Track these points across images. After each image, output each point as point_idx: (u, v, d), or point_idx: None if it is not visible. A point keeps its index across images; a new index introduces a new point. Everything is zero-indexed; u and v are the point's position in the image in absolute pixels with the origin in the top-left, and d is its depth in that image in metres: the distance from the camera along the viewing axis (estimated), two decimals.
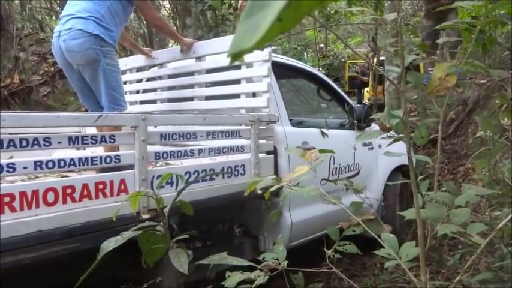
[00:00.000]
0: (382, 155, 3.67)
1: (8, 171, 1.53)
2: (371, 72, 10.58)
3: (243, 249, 2.67)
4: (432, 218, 1.32)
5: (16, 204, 1.53)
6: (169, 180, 1.99)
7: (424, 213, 1.29)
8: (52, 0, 9.85)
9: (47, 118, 1.72)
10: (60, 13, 2.93)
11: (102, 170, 1.99)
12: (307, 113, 4.30)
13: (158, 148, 2.20)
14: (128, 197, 1.40)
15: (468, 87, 5.19)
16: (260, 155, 2.48)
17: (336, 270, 1.74)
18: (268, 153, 2.57)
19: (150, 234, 1.30)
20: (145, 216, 1.80)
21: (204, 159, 2.35)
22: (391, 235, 1.53)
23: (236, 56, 0.35)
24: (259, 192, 2.24)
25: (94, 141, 1.79)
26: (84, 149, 2.89)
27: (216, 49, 2.91)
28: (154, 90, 3.35)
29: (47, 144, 1.64)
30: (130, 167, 1.89)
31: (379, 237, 1.54)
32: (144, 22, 9.42)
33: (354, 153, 3.25)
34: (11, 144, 1.55)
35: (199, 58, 3.02)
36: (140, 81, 3.54)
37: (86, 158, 1.76)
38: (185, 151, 2.14)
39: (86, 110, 2.69)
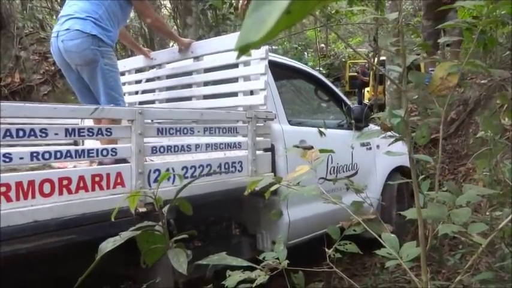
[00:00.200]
0: (381, 155, 3.65)
1: (4, 161, 1.54)
2: (372, 72, 10.57)
3: (240, 248, 2.67)
4: (433, 218, 1.32)
5: (12, 194, 1.53)
6: None
7: (425, 213, 1.29)
8: None
9: (44, 109, 1.75)
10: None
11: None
12: (304, 113, 4.31)
13: (155, 142, 2.21)
14: (126, 197, 1.39)
15: (469, 87, 5.19)
16: (257, 152, 2.49)
17: (336, 270, 1.74)
18: (265, 150, 2.58)
19: (148, 234, 1.30)
20: (142, 209, 1.80)
21: (201, 154, 2.36)
22: (392, 235, 1.52)
23: (243, 49, 0.35)
24: (257, 189, 2.26)
25: (91, 134, 1.80)
26: (82, 141, 2.92)
27: (213, 48, 2.93)
28: (152, 90, 3.36)
29: (43, 135, 1.66)
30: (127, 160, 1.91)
31: (380, 237, 1.53)
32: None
33: (352, 153, 3.26)
34: (8, 134, 1.56)
35: (197, 58, 3.03)
36: (139, 82, 3.54)
37: (83, 150, 1.77)
38: (182, 146, 2.16)
39: None
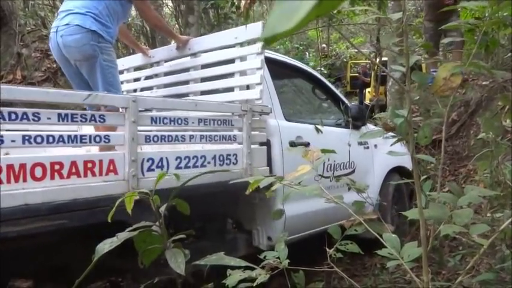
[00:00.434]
0: (379, 154, 3.68)
1: None
2: (373, 73, 10.57)
3: (236, 244, 2.66)
4: (435, 219, 1.31)
5: (3, 176, 1.53)
6: (160, 164, 2.01)
7: (427, 214, 1.29)
8: None
9: (36, 92, 1.75)
10: None
11: None
12: (301, 110, 4.32)
13: (149, 131, 2.21)
14: (123, 198, 1.38)
15: (471, 89, 5.18)
16: (252, 146, 2.49)
17: (337, 270, 1.74)
18: (261, 144, 2.59)
19: (146, 235, 1.30)
20: (134, 197, 1.79)
21: (195, 145, 2.37)
22: (393, 235, 1.52)
23: (270, 40, 0.35)
24: (251, 182, 2.26)
25: (84, 120, 1.80)
26: (80, 127, 2.88)
27: (210, 45, 2.95)
28: (150, 88, 3.37)
29: (36, 119, 1.65)
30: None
31: (381, 237, 1.53)
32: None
33: (349, 151, 3.26)
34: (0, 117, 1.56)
35: (194, 54, 3.04)
36: (137, 80, 3.55)
37: (76, 136, 1.77)
38: (176, 136, 2.16)
39: (85, 108, 2.72)
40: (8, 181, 1.54)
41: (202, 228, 2.47)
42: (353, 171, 3.33)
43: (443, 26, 1.64)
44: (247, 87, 2.68)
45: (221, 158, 2.31)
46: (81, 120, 1.79)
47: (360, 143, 3.53)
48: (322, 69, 12.33)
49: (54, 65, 6.10)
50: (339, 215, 2.99)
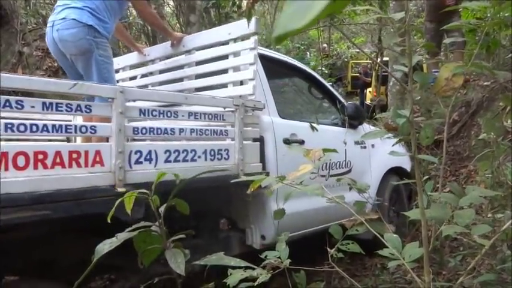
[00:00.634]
0: (376, 154, 3.67)
1: None
2: (374, 73, 10.56)
3: (229, 242, 2.63)
4: (436, 219, 1.31)
5: None
6: (148, 157, 1.99)
7: (429, 214, 1.29)
8: None
9: (19, 80, 1.72)
10: None
11: None
12: (296, 107, 4.28)
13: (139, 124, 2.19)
14: (123, 198, 1.37)
15: (472, 89, 5.18)
16: (245, 141, 2.47)
17: (338, 270, 1.74)
18: (254, 140, 2.57)
19: (145, 235, 1.29)
20: (121, 189, 1.78)
21: (185, 139, 2.34)
22: (394, 235, 1.52)
23: (281, 38, 0.35)
24: (244, 178, 2.23)
25: (69, 109, 1.77)
26: (75, 117, 2.88)
27: (204, 41, 2.94)
28: (145, 86, 3.35)
29: (19, 107, 1.62)
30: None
31: (382, 237, 1.53)
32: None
33: (346, 150, 3.24)
34: None
35: (189, 52, 3.03)
36: (133, 78, 3.54)
37: (60, 125, 1.74)
38: (165, 129, 2.14)
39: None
40: None
41: (195, 227, 2.46)
42: (349, 171, 3.31)
43: (445, 26, 1.64)
44: (241, 83, 2.67)
45: (212, 153, 2.29)
46: (66, 110, 1.76)
47: (357, 143, 3.51)
48: (323, 69, 12.32)
49: (56, 64, 6.10)
50: (334, 214, 2.98)
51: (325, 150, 1.66)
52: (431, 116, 4.63)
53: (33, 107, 1.66)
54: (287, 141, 2.76)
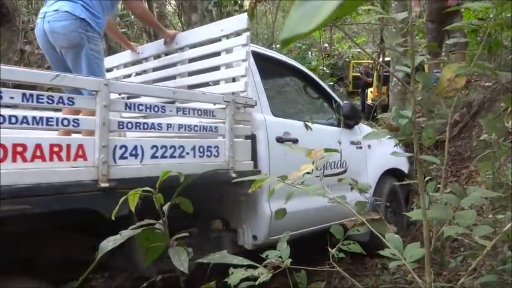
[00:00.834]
0: (373, 155, 3.63)
1: None
2: (375, 73, 10.55)
3: (220, 242, 2.59)
4: (438, 219, 1.31)
5: None
6: (134, 152, 1.94)
7: (430, 214, 1.29)
8: None
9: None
10: None
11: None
12: (291, 106, 4.24)
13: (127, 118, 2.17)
14: (127, 196, 1.36)
15: (473, 90, 5.17)
16: (236, 139, 2.43)
17: (339, 269, 1.74)
18: (245, 138, 2.54)
19: (149, 233, 1.29)
20: (104, 185, 1.75)
21: (173, 135, 2.29)
22: (396, 236, 1.52)
23: (288, 41, 0.35)
24: (234, 175, 2.22)
25: (51, 101, 1.72)
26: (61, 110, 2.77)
27: (197, 38, 2.92)
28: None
29: None
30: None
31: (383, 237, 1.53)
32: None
33: (341, 150, 3.20)
34: None
35: (182, 49, 3.00)
36: (127, 77, 3.50)
37: (41, 118, 1.69)
38: (152, 124, 2.09)
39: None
40: None
41: (186, 227, 2.39)
42: (345, 171, 3.26)
43: (448, 26, 1.64)
44: (234, 80, 2.64)
45: (201, 150, 2.24)
46: (47, 102, 1.71)
47: (353, 143, 3.46)
48: (324, 68, 12.31)
49: None
50: (327, 215, 2.96)
51: (326, 150, 1.66)
52: (432, 116, 4.63)
53: (12, 98, 1.62)
54: (280, 140, 2.73)
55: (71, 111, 2.25)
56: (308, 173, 1.70)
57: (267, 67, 3.00)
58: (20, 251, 1.95)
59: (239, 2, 8.03)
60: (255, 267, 1.64)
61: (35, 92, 1.67)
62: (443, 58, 5.87)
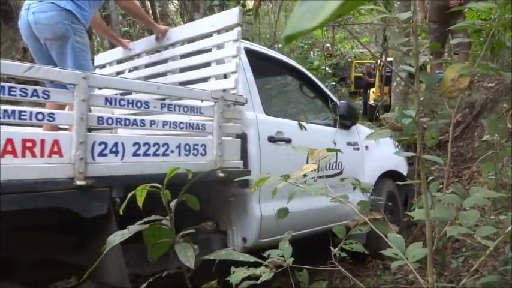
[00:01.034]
0: (370, 157, 3.54)
1: None
2: (377, 73, 10.55)
3: (209, 244, 2.50)
4: (441, 219, 1.31)
5: None
6: (114, 149, 1.86)
7: (433, 214, 1.29)
8: None
9: None
10: None
11: None
12: (285, 105, 4.18)
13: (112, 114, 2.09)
14: (135, 191, 1.36)
15: (476, 90, 5.17)
16: (225, 137, 2.36)
17: (341, 269, 1.74)
18: (235, 137, 2.46)
19: (155, 229, 1.30)
20: (80, 183, 1.68)
21: (157, 132, 2.23)
22: (398, 235, 1.52)
23: (291, 38, 0.35)
24: (221, 175, 2.17)
25: (24, 94, 1.64)
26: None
27: (188, 34, 2.85)
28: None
29: None
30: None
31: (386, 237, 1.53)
32: (152, 17, 9.43)
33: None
34: None
35: (173, 45, 2.94)
36: (120, 73, 3.41)
37: (13, 111, 1.61)
38: (135, 120, 2.00)
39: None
40: None
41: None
42: (340, 173, 3.16)
43: (452, 27, 1.64)
44: (225, 76, 2.56)
45: (187, 148, 2.15)
46: (20, 95, 1.62)
47: (349, 144, 3.38)
48: (326, 68, 12.31)
49: None
50: (320, 218, 2.94)
51: (329, 150, 1.66)
52: (434, 117, 4.63)
53: None
54: (272, 139, 2.66)
55: (55, 106, 2.18)
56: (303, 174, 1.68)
57: (260, 64, 2.92)
58: None
59: (241, 1, 8.02)
60: (256, 266, 1.64)
61: (6, 85, 1.60)
62: (446, 58, 5.86)
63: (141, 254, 2.07)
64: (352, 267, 3.41)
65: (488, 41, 1.55)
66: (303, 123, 2.94)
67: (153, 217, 1.28)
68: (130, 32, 8.24)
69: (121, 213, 1.26)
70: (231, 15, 2.54)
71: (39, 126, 2.25)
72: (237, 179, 2.10)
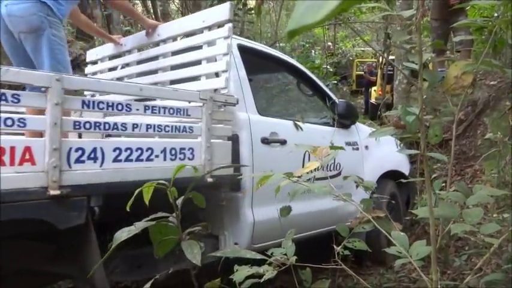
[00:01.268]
0: (370, 157, 3.43)
1: None
2: (379, 72, 10.54)
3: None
4: (445, 217, 1.31)
5: None
6: (93, 156, 1.75)
7: (437, 212, 1.28)
8: None
9: None
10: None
11: None
12: (280, 104, 4.06)
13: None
14: (140, 188, 1.36)
15: (478, 88, 5.16)
16: (215, 140, 2.24)
17: (345, 267, 1.74)
18: (226, 139, 2.34)
19: (161, 226, 1.29)
20: (55, 192, 1.58)
21: (140, 136, 2.12)
22: (402, 233, 1.52)
23: (293, 33, 0.34)
24: (210, 180, 2.08)
25: None
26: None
27: (178, 30, 2.74)
28: (121, 79, 3.09)
29: None
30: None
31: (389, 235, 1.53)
32: (153, 16, 9.43)
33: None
34: None
35: (164, 41, 2.82)
36: (113, 70, 3.30)
37: None
38: (115, 124, 1.87)
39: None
40: None
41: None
42: (339, 174, 3.01)
43: (455, 24, 1.63)
44: (216, 75, 2.43)
45: (173, 152, 2.03)
46: None
47: (348, 144, 3.25)
48: (327, 67, 12.31)
49: None
50: (318, 221, 2.89)
51: (332, 148, 1.66)
52: (436, 115, 4.62)
53: None
54: (266, 141, 2.54)
55: (35, 111, 2.06)
56: (298, 176, 1.66)
57: (254, 61, 2.79)
58: None
59: (243, 0, 8.02)
60: (260, 265, 1.64)
61: None
62: (449, 55, 5.85)
63: (126, 262, 2.04)
64: (355, 266, 3.41)
65: (491, 39, 1.55)
66: (299, 123, 2.83)
67: (159, 214, 1.27)
68: (131, 31, 8.24)
69: (128, 209, 1.24)
70: (222, 10, 2.40)
71: (20, 133, 2.13)
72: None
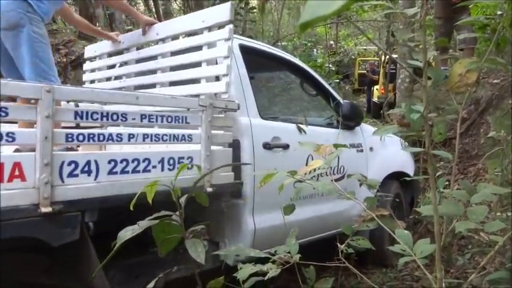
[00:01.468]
0: (374, 158, 3.34)
1: None
2: (381, 70, 10.53)
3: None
4: (449, 215, 1.31)
5: None
6: (86, 169, 1.68)
7: (441, 210, 1.28)
8: None
9: None
10: (73, 5, 2.84)
11: None
12: (283, 107, 3.97)
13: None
14: (143, 188, 1.36)
15: (481, 87, 5.15)
16: (215, 147, 2.16)
17: (349, 266, 1.74)
18: (226, 146, 2.27)
19: (165, 224, 1.30)
20: (46, 210, 1.51)
21: (137, 146, 2.05)
22: (406, 231, 1.52)
23: (306, 25, 0.35)
24: (210, 190, 2.03)
25: None
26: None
27: (177, 29, 2.65)
28: (120, 77, 3.04)
29: None
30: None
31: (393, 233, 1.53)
32: (155, 15, 9.44)
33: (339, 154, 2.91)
34: None
35: (162, 40, 2.72)
36: (112, 67, 3.23)
37: None
38: (110, 135, 1.79)
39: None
40: None
41: (151, 241, 2.15)
42: (342, 177, 2.93)
43: (459, 22, 1.63)
44: (217, 78, 2.34)
45: (171, 162, 1.95)
46: None
47: (353, 145, 3.17)
48: (330, 66, 12.29)
49: (64, 59, 6.12)
50: (318, 227, 2.85)
51: (336, 146, 1.66)
52: (439, 113, 4.61)
53: None
54: (268, 146, 2.47)
55: (27, 123, 1.97)
56: (299, 181, 1.64)
57: (256, 62, 2.71)
58: None
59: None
60: (263, 263, 1.64)
61: None
62: (453, 53, 5.84)
63: (123, 272, 1.99)
64: (358, 265, 3.41)
65: (496, 37, 1.55)
66: (302, 127, 2.76)
67: (163, 212, 1.28)
68: (134, 30, 8.24)
69: (131, 208, 1.25)
70: (223, 10, 2.30)
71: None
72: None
